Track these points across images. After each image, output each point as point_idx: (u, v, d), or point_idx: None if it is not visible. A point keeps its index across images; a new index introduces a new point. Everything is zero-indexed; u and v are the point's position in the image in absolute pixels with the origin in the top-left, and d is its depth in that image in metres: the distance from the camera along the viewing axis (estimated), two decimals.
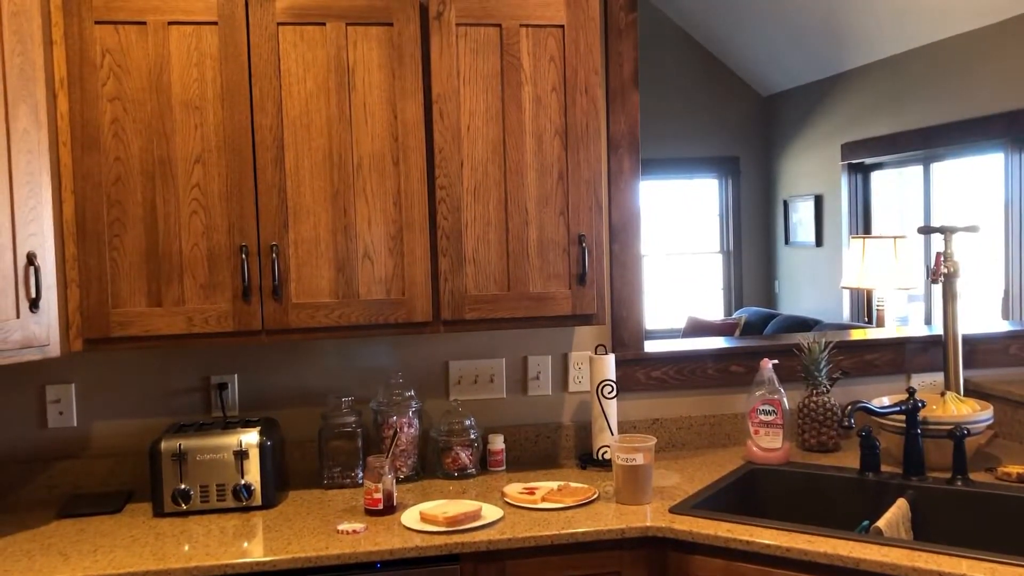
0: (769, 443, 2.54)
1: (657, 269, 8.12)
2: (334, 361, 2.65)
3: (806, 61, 7.08)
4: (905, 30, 5.83)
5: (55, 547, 2.09)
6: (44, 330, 2.08)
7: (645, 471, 2.27)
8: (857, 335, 3.13)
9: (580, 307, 2.41)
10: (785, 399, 2.56)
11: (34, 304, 2.05)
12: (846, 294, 6.91)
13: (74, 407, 2.52)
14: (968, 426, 2.37)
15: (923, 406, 2.40)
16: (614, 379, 2.61)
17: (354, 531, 2.12)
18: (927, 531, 2.22)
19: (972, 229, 2.70)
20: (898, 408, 2.39)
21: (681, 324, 7.26)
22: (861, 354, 2.93)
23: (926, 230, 2.85)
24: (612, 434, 2.58)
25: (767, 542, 1.98)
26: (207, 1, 2.20)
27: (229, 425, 2.40)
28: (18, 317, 2.03)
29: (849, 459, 2.55)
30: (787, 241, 7.96)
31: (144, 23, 2.19)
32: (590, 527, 2.13)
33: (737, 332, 6.83)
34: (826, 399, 2.69)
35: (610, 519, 2.18)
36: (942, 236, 2.67)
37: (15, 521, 2.29)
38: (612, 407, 2.61)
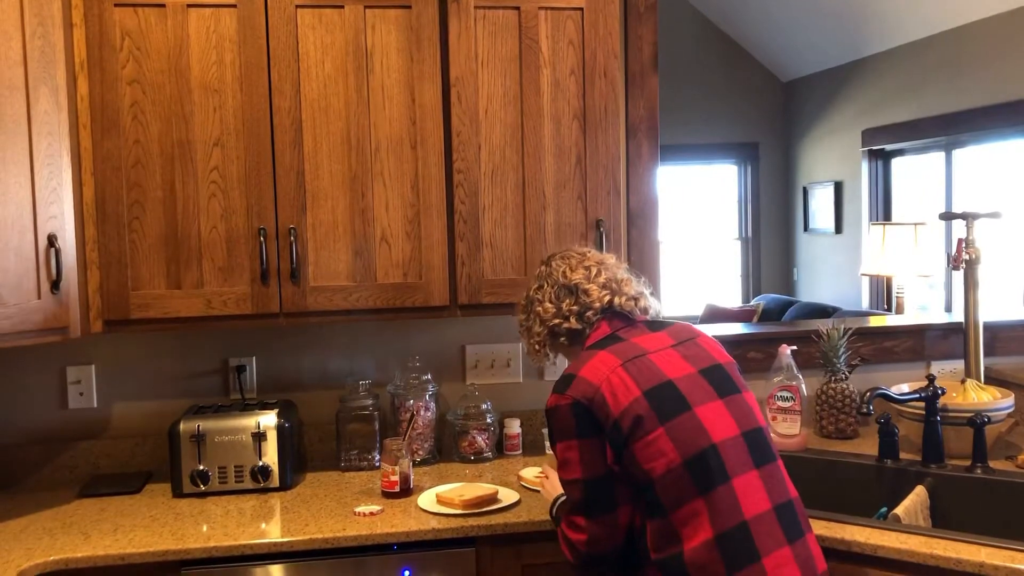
0: (787, 429, 2.53)
1: (675, 255, 8.07)
2: (351, 344, 2.65)
3: (827, 46, 7.01)
4: (927, 15, 5.76)
5: (76, 526, 2.12)
6: (64, 312, 2.10)
7: None
8: (876, 322, 3.10)
9: None
10: (803, 385, 2.55)
11: (55, 286, 2.07)
12: (865, 281, 6.85)
13: (94, 388, 2.54)
14: (988, 414, 2.35)
15: (943, 393, 2.38)
16: None
17: (371, 513, 2.13)
18: (946, 519, 2.21)
19: (994, 215, 2.66)
20: (917, 395, 2.37)
21: (699, 311, 7.23)
22: (880, 341, 2.90)
23: (948, 216, 2.82)
24: None
25: None
26: None
27: (247, 407, 2.42)
28: (39, 298, 2.05)
29: (867, 446, 2.53)
30: (806, 228, 7.90)
31: (163, 5, 2.19)
32: None
33: (755, 319, 6.80)
34: (844, 386, 2.67)
35: None
36: (964, 222, 2.64)
37: (37, 500, 2.31)
38: None
